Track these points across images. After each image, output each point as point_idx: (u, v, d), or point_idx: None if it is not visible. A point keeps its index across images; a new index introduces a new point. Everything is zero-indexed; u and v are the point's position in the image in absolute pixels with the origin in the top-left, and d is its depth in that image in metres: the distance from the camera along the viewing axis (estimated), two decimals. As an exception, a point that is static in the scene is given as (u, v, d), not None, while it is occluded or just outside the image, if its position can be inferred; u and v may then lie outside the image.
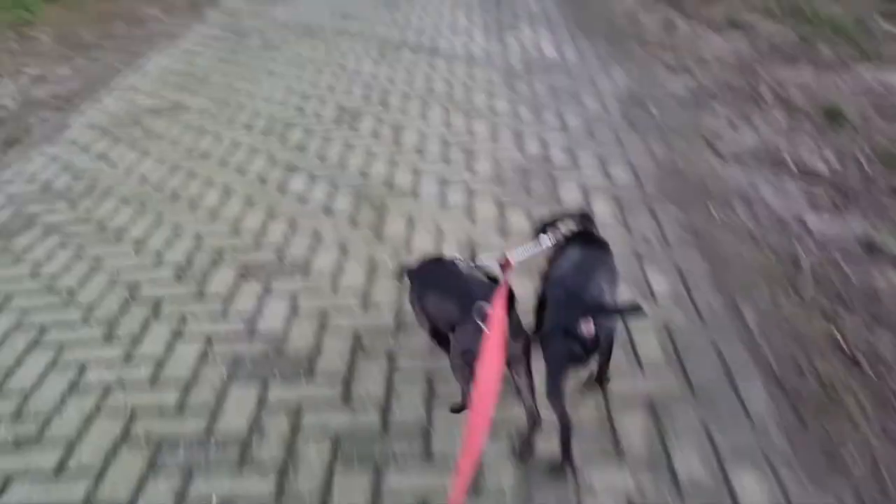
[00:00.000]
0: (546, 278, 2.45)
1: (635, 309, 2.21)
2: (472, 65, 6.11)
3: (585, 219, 2.60)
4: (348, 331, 3.00)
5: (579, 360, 2.17)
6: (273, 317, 3.11)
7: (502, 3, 8.00)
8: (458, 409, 2.48)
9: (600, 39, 6.65)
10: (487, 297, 2.08)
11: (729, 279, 3.20)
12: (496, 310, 1.97)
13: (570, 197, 3.93)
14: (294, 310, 3.15)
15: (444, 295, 2.30)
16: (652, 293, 3.12)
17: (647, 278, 3.21)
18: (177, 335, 3.05)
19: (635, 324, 2.88)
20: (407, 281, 2.58)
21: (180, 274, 3.46)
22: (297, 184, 4.28)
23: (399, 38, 6.98)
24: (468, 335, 2.08)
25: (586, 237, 2.50)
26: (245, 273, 3.42)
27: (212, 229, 3.83)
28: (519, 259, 2.47)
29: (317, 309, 3.14)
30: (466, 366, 2.13)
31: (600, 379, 2.55)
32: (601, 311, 2.17)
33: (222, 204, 4.09)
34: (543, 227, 2.60)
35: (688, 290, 3.13)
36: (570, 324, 2.09)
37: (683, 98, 5.24)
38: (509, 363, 2.10)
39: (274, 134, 5.00)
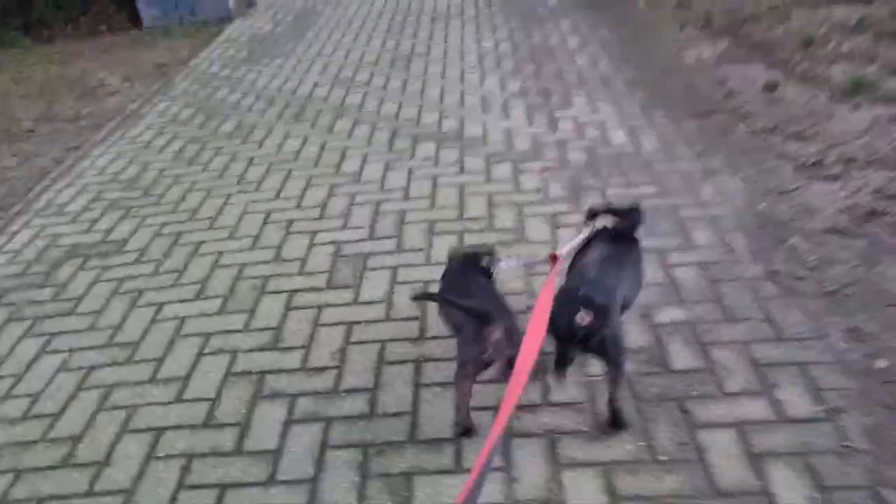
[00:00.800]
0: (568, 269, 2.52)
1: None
2: (520, 164, 4.42)
3: (635, 213, 2.64)
4: None
5: (567, 348, 2.22)
6: None
7: (542, 62, 6.28)
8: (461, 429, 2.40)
9: (681, 113, 4.95)
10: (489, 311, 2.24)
11: None
12: (544, 295, 2.15)
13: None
14: None
15: (457, 299, 2.38)
16: None
17: None
18: None
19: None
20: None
21: None
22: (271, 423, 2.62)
23: (415, 117, 5.31)
24: (467, 347, 2.26)
25: (618, 232, 2.58)
26: None
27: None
28: (566, 252, 2.55)
29: None
30: (464, 378, 2.28)
31: (612, 398, 2.34)
32: (594, 306, 2.15)
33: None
34: (593, 215, 2.66)
35: None
36: (566, 310, 2.14)
37: (846, 229, 3.51)
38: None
39: (239, 308, 3.32)
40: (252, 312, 3.28)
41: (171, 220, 4.17)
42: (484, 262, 2.63)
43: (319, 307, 3.27)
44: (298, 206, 4.17)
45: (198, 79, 6.77)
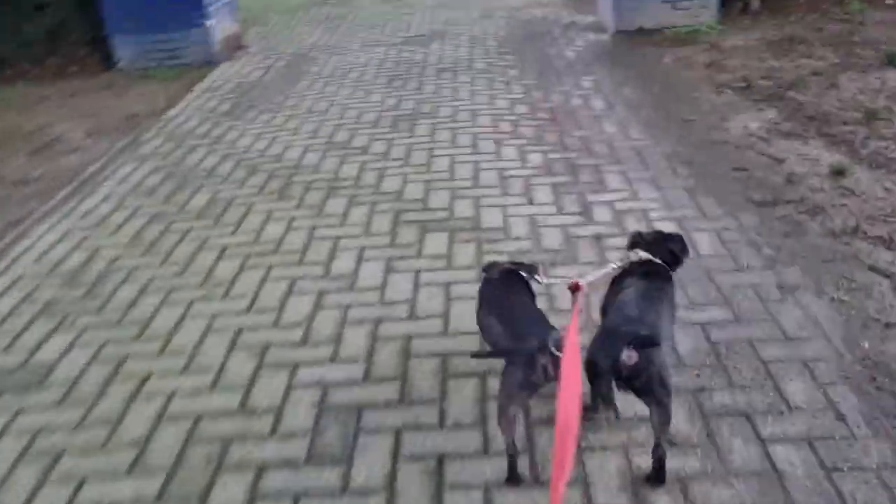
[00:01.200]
0: (610, 294, 2.50)
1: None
2: (550, 267, 3.59)
3: (679, 244, 2.63)
4: None
5: (608, 382, 2.17)
6: None
7: (565, 128, 5.50)
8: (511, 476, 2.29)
9: (737, 202, 4.18)
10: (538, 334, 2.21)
11: None
12: (571, 334, 2.02)
13: None
14: None
15: (500, 321, 2.38)
16: None
17: None
18: None
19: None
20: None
21: None
22: None
23: (421, 196, 4.49)
24: (512, 377, 2.17)
25: (651, 266, 2.49)
26: None
27: None
28: (590, 281, 2.50)
29: None
30: (508, 408, 2.20)
31: (657, 444, 2.23)
32: (640, 344, 2.10)
33: None
34: (633, 244, 2.63)
35: None
36: (611, 349, 2.10)
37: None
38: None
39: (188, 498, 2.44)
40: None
41: (115, 336, 3.31)
42: (525, 276, 2.61)
43: (296, 496, 2.39)
44: (276, 324, 3.32)
45: (171, 135, 5.95)
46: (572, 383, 1.85)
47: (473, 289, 2.94)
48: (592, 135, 5.29)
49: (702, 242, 3.76)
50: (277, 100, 6.63)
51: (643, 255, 2.54)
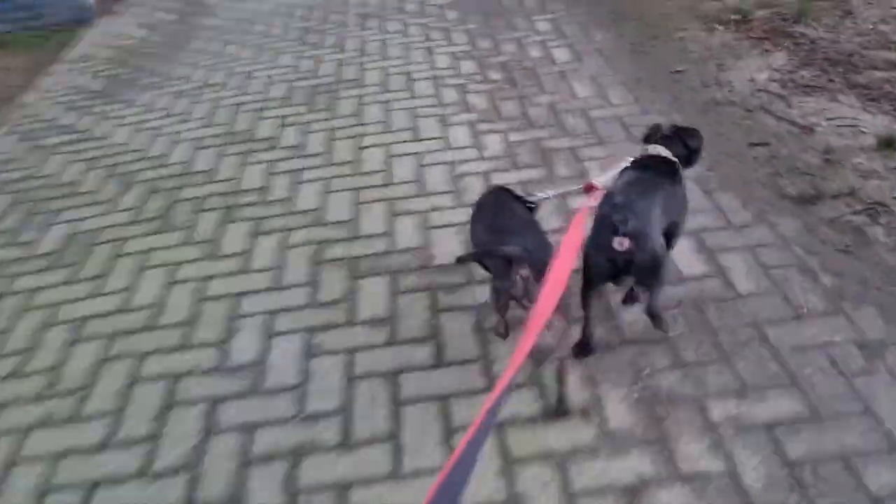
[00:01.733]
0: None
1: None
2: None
3: (692, 135, 2.50)
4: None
5: (609, 276, 2.16)
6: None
7: (526, 92, 4.38)
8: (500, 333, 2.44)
9: (768, 197, 3.25)
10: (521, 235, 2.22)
11: None
12: (572, 230, 2.05)
13: None
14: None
15: (486, 228, 2.38)
16: None
17: None
18: None
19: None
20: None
21: None
22: None
23: (351, 216, 3.39)
24: (498, 270, 2.19)
25: (659, 161, 2.39)
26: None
27: None
28: (605, 181, 2.41)
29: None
30: (498, 299, 2.24)
31: (651, 314, 2.33)
32: (629, 228, 2.06)
33: None
34: (647, 136, 2.54)
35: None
36: (603, 238, 2.08)
37: None
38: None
39: None
40: None
41: None
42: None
43: None
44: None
45: (26, 133, 4.60)
46: (556, 279, 1.79)
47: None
48: (561, 101, 4.15)
49: (736, 272, 2.75)
50: (164, 70, 5.28)
51: (658, 149, 2.42)
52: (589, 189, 2.43)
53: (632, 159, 2.46)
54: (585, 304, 2.29)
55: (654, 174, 2.35)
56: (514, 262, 2.12)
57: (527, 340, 1.55)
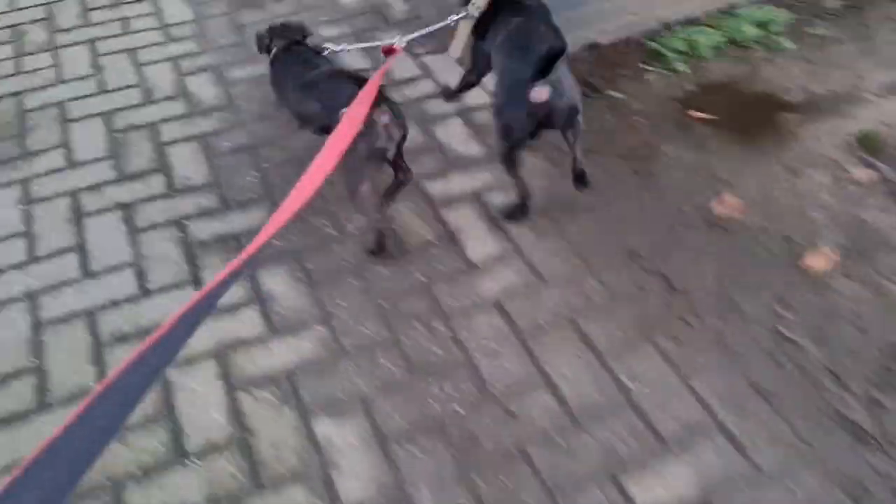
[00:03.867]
0: (477, 48, 2.38)
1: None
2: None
3: None
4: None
5: (529, 132, 2.08)
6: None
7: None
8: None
9: None
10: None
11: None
12: (364, 96, 1.84)
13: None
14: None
15: (311, 96, 2.20)
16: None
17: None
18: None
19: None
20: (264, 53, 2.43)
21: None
22: None
23: None
24: (353, 158, 1.97)
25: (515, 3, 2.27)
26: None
27: None
28: (409, 40, 2.29)
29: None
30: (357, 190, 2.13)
31: (575, 170, 2.29)
32: (547, 72, 1.94)
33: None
34: None
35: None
36: (518, 91, 1.97)
37: None
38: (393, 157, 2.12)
39: None
40: None
41: None
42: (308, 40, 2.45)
43: None
44: None
45: None
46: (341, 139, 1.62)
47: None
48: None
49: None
50: None
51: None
52: (388, 52, 2.29)
53: (458, 16, 2.37)
54: (512, 166, 2.22)
55: (528, 13, 2.25)
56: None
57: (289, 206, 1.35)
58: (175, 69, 3.17)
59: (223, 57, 3.22)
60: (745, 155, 2.66)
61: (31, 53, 3.30)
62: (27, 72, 3.19)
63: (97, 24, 3.49)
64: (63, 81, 3.13)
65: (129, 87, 3.06)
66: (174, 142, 2.79)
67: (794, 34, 3.21)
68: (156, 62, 3.21)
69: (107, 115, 2.92)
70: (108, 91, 3.05)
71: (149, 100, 2.99)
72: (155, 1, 3.62)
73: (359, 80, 2.06)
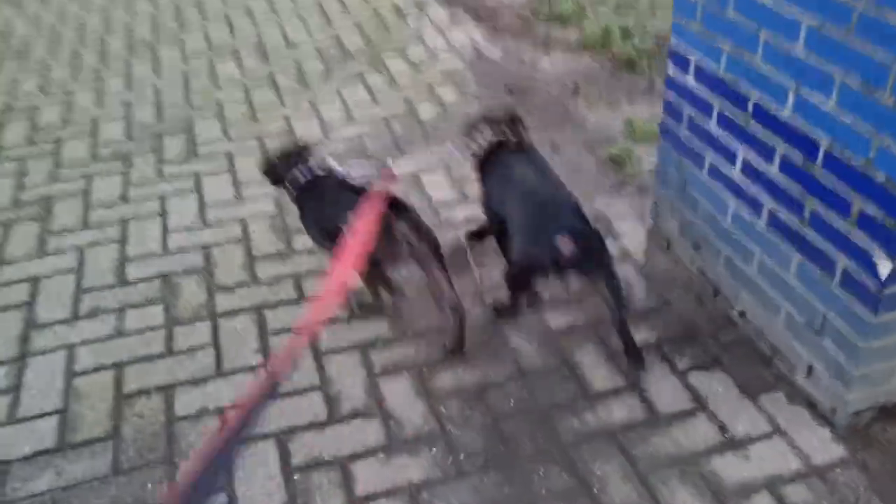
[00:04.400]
0: (489, 190, 2.38)
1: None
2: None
3: (515, 121, 2.44)
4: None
5: (549, 275, 2.09)
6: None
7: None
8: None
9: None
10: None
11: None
12: (363, 222, 1.87)
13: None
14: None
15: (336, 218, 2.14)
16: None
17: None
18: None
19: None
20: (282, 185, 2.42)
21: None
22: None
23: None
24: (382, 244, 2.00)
25: (516, 145, 2.38)
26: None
27: None
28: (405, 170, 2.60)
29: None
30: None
31: (623, 331, 2.16)
32: (584, 231, 2.04)
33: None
34: (470, 130, 2.48)
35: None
36: (547, 240, 1.98)
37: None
38: (420, 264, 2.15)
39: None
40: None
41: None
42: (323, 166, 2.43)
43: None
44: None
45: None
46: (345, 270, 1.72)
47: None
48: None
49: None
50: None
51: (492, 137, 2.39)
52: (388, 176, 2.31)
53: (476, 148, 2.43)
54: (517, 297, 2.29)
55: (531, 157, 2.34)
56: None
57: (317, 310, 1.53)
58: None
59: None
60: None
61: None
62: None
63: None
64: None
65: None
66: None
67: None
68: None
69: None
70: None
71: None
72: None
73: (361, 191, 2.15)
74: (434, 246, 2.15)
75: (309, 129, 3.59)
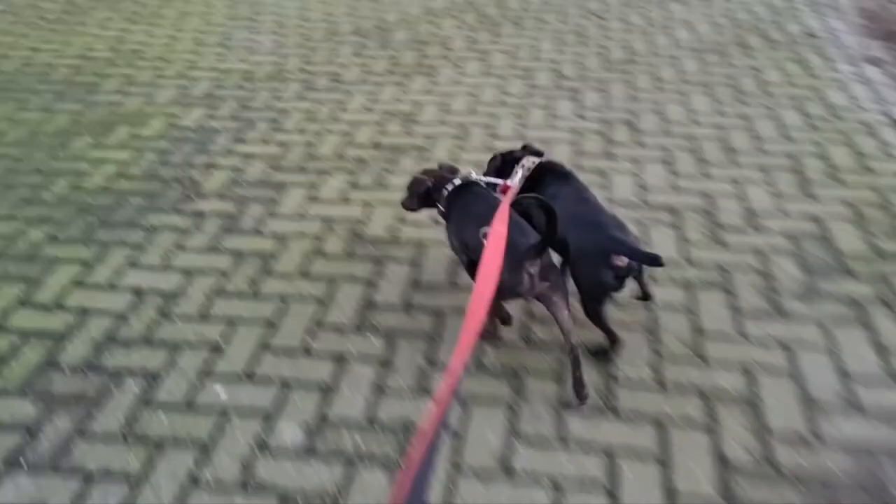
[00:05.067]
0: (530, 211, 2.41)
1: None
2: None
3: (539, 155, 2.65)
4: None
5: (616, 288, 2.30)
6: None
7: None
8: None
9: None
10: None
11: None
12: (498, 225, 1.96)
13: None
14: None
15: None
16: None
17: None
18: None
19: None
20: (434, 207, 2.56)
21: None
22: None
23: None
24: (507, 274, 1.97)
25: (555, 170, 2.58)
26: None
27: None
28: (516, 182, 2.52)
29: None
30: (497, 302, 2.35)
31: (645, 296, 2.60)
32: (634, 252, 2.23)
33: None
34: (503, 161, 2.67)
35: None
36: (607, 258, 2.20)
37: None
38: (545, 302, 2.21)
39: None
40: None
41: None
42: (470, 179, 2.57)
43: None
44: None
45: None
46: (489, 271, 1.75)
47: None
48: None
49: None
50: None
51: (535, 159, 2.59)
52: (505, 189, 2.50)
53: (527, 167, 2.56)
54: (600, 318, 2.35)
55: (575, 182, 2.54)
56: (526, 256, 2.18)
57: (463, 345, 1.48)
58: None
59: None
60: None
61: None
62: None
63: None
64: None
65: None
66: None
67: None
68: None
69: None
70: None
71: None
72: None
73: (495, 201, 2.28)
74: (561, 288, 2.20)
75: None
